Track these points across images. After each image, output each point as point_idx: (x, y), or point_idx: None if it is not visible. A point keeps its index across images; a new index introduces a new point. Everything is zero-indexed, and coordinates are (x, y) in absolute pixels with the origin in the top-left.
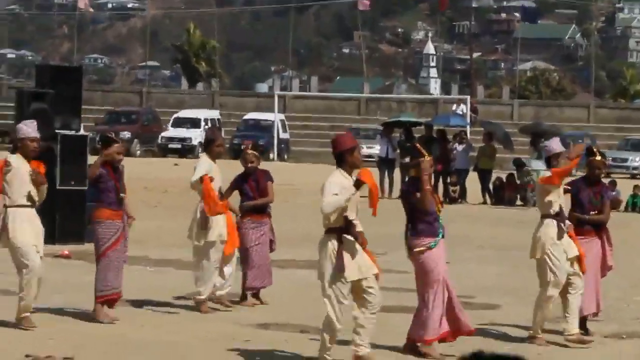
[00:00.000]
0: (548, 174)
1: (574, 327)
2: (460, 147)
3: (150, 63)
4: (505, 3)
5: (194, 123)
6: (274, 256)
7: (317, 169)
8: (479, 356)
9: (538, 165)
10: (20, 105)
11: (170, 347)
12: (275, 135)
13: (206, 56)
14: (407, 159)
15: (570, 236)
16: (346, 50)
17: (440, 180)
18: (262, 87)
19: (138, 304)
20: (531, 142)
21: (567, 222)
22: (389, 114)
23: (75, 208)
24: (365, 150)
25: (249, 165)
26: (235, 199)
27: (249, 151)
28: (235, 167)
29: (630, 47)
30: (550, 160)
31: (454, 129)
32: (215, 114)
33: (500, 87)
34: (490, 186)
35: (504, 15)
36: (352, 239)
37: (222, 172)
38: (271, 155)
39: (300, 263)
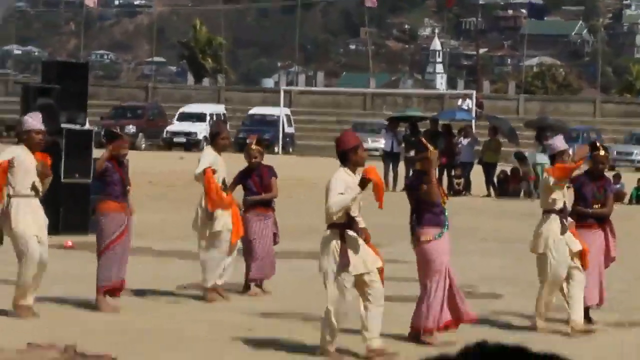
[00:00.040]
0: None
1: (579, 318)
2: (465, 141)
3: (156, 59)
4: (512, 0)
5: (199, 117)
6: (278, 248)
7: (322, 162)
8: (483, 346)
9: (543, 159)
10: (26, 100)
11: (173, 337)
12: (281, 129)
13: (212, 52)
14: (412, 153)
15: (572, 233)
16: (353, 47)
17: (445, 173)
18: (268, 83)
19: (141, 293)
20: (536, 136)
21: (569, 219)
22: (394, 109)
23: (79, 200)
24: (370, 144)
25: (253, 160)
26: (238, 193)
27: (253, 146)
28: (240, 161)
29: (637, 43)
30: (555, 158)
31: (460, 123)
32: (220, 108)
33: (506, 83)
34: (495, 179)
35: (510, 11)
36: (354, 234)
37: (227, 166)
38: (276, 149)
39: (303, 254)
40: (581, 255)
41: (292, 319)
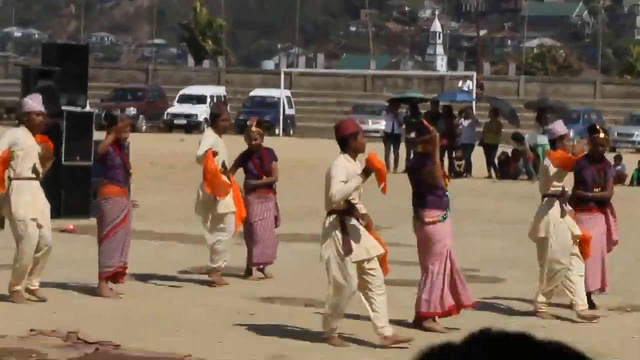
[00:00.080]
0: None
1: (583, 303)
2: (466, 123)
3: (156, 41)
4: None
5: (199, 99)
6: (279, 231)
7: (322, 144)
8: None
9: (543, 140)
10: (26, 83)
11: (175, 321)
12: (281, 111)
13: (213, 34)
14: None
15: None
16: (353, 28)
17: (446, 155)
18: (269, 65)
19: (143, 277)
20: (537, 117)
21: (568, 206)
22: (395, 91)
23: (80, 183)
24: (370, 126)
25: (253, 142)
26: (239, 176)
27: (253, 128)
28: (241, 143)
29: (637, 24)
30: (555, 143)
31: (460, 104)
32: (221, 90)
33: (506, 64)
34: (496, 161)
35: None
36: (355, 220)
37: (227, 148)
38: (277, 131)
39: (305, 237)
40: (583, 242)
41: (294, 304)
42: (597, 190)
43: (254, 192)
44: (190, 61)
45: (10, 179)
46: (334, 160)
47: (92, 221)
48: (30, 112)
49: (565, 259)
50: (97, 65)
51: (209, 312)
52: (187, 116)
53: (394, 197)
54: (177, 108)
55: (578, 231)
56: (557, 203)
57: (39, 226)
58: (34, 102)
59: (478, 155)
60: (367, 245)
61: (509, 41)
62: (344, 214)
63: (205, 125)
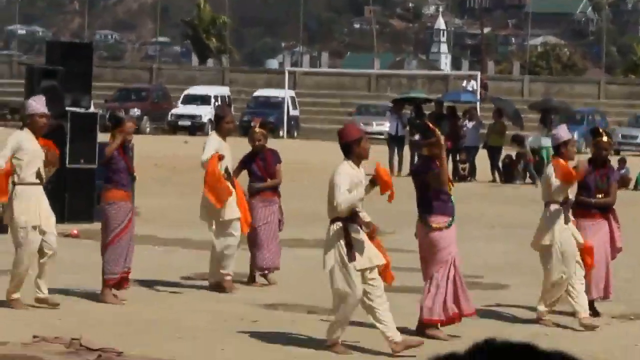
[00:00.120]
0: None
1: (584, 311)
2: (470, 124)
3: (160, 39)
4: None
5: (204, 100)
6: (282, 235)
7: (326, 147)
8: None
9: (548, 142)
10: (30, 82)
11: (178, 327)
12: (285, 112)
13: (216, 32)
14: (417, 137)
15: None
16: (357, 26)
17: (450, 157)
18: (273, 63)
19: (146, 283)
20: (541, 119)
21: (571, 216)
22: (399, 90)
23: (85, 186)
24: (375, 128)
25: (257, 143)
26: (243, 179)
27: (257, 130)
28: (245, 145)
29: None
30: (559, 149)
31: (464, 105)
32: (225, 90)
33: (510, 63)
34: (500, 164)
35: None
36: (358, 228)
37: (231, 150)
38: (281, 133)
39: (309, 242)
40: (584, 252)
41: (297, 311)
42: (599, 196)
43: (257, 195)
44: (194, 59)
45: (14, 183)
46: (337, 164)
47: (96, 226)
48: (33, 114)
49: (571, 267)
50: (101, 64)
51: (212, 318)
52: (192, 117)
53: (398, 201)
54: (181, 109)
55: (581, 239)
56: (560, 210)
57: (43, 232)
58: (38, 104)
59: (482, 158)
60: (369, 254)
61: (513, 39)
62: (347, 221)
63: (210, 127)
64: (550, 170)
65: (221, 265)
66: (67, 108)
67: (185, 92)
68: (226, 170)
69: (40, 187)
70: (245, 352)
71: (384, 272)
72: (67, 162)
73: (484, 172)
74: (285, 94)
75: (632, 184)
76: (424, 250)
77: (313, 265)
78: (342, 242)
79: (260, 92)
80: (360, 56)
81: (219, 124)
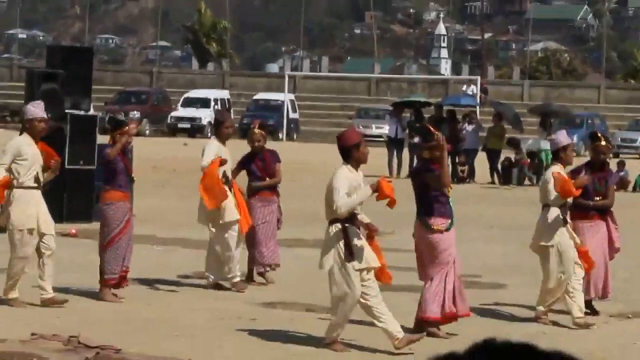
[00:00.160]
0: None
1: (579, 311)
2: (469, 128)
3: (161, 43)
4: None
5: (203, 103)
6: (281, 235)
7: (326, 149)
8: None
9: (547, 145)
10: (30, 86)
11: (176, 326)
12: (285, 115)
13: (217, 36)
14: (417, 139)
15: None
16: (358, 31)
17: (449, 160)
18: (273, 68)
19: (145, 282)
20: (540, 122)
21: (568, 218)
22: (399, 94)
23: (84, 187)
24: (374, 131)
25: (256, 144)
26: (242, 180)
27: (256, 130)
28: (244, 147)
29: None
30: (558, 153)
31: (464, 109)
32: (225, 94)
33: (510, 68)
34: (499, 166)
35: None
36: (356, 230)
37: (231, 154)
38: (280, 135)
39: (308, 242)
40: (581, 255)
41: (295, 309)
42: (598, 198)
43: (256, 195)
44: (195, 64)
45: (12, 187)
46: (337, 167)
47: (95, 225)
48: (32, 119)
49: (569, 267)
50: (102, 68)
51: (210, 316)
52: (191, 120)
53: (397, 202)
54: (180, 112)
55: (578, 240)
56: (558, 212)
57: (42, 235)
58: (36, 109)
59: (481, 160)
60: (367, 256)
61: (514, 44)
62: (345, 222)
63: (209, 129)
64: (549, 174)
65: (227, 269)
66: (67, 111)
67: (185, 95)
68: (224, 174)
69: (39, 191)
70: (244, 350)
71: (381, 273)
72: (66, 163)
73: (483, 174)
74: (285, 97)
75: (630, 187)
76: (421, 251)
77: (312, 265)
78: (341, 243)
79: (260, 96)
80: (361, 61)
81: (219, 128)
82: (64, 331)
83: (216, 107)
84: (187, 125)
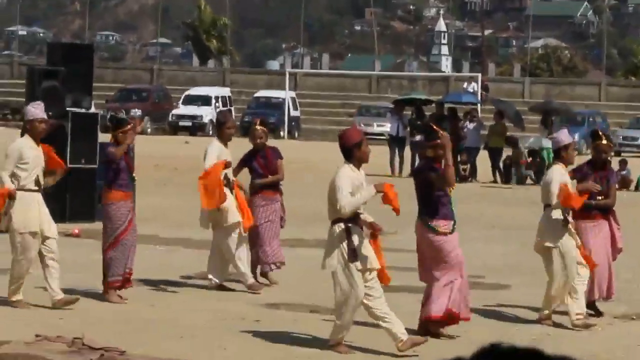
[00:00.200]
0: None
1: (580, 311)
2: (471, 126)
3: (161, 40)
4: None
5: (204, 100)
6: (283, 235)
7: (327, 147)
8: (496, 348)
9: (548, 143)
10: (31, 83)
11: (179, 326)
12: (286, 112)
13: (217, 33)
14: (418, 137)
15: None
16: (358, 28)
17: None
18: (273, 65)
19: (148, 283)
20: (542, 120)
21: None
22: (400, 92)
23: (86, 186)
24: (376, 129)
25: (258, 141)
26: (245, 178)
27: (258, 127)
28: (246, 145)
29: None
30: (559, 152)
31: (465, 107)
32: (226, 91)
33: (511, 65)
34: (501, 165)
35: None
36: (359, 230)
37: (233, 152)
38: (282, 133)
39: (310, 242)
40: (582, 257)
41: (299, 310)
42: (600, 198)
43: (259, 193)
44: (195, 61)
45: (14, 198)
46: (338, 166)
47: (98, 225)
48: (32, 120)
49: (572, 268)
50: (102, 65)
51: (213, 317)
52: (192, 117)
53: (400, 201)
54: (182, 109)
55: (579, 240)
56: (560, 212)
57: (46, 237)
58: (37, 110)
59: (483, 159)
60: (369, 256)
61: (514, 41)
62: (349, 222)
63: (210, 127)
64: (551, 174)
65: (235, 271)
66: (68, 108)
67: (186, 93)
68: (225, 176)
69: (39, 194)
70: (247, 351)
71: (380, 274)
72: (67, 162)
73: (485, 173)
74: (286, 94)
75: (633, 185)
76: (423, 252)
77: (314, 265)
78: (344, 243)
79: (261, 93)
80: (361, 58)
81: (221, 129)
82: (68, 332)
83: (217, 104)
84: (188, 124)
